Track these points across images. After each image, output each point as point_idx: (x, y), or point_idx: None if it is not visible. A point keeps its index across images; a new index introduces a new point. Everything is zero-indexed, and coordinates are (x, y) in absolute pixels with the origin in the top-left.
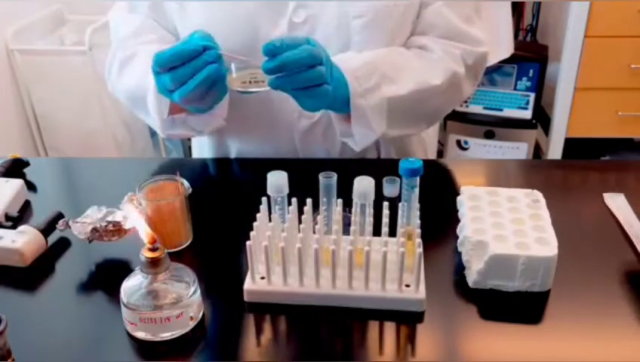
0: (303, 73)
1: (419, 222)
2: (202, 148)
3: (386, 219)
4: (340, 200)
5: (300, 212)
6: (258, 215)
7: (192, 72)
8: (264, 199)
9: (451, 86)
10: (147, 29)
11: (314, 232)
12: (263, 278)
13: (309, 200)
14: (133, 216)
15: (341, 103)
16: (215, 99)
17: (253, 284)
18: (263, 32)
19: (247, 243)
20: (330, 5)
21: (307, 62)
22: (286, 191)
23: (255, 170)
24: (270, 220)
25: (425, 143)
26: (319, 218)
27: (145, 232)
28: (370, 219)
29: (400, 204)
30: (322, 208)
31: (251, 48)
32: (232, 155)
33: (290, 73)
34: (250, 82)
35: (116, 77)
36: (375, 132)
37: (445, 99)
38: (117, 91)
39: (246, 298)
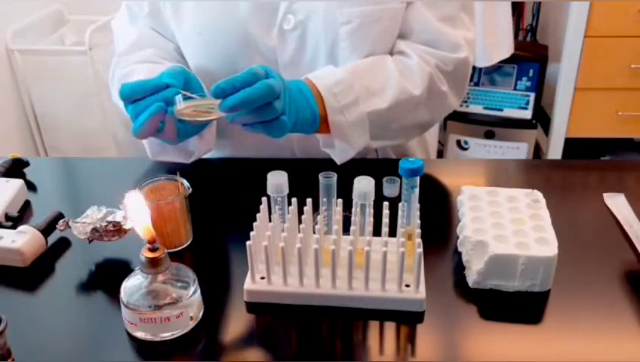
0: (259, 110)
1: (419, 222)
2: None
3: (386, 219)
4: (340, 201)
5: (300, 212)
6: (258, 215)
7: (147, 107)
8: (264, 199)
9: (432, 93)
10: (145, 42)
11: (314, 232)
12: (263, 278)
13: (309, 200)
14: (139, 209)
15: (307, 125)
16: (181, 134)
17: (254, 284)
18: (255, 38)
19: (248, 243)
20: (317, 12)
21: (264, 100)
22: (286, 191)
23: (255, 170)
24: (270, 220)
25: (426, 143)
26: (319, 218)
27: (145, 231)
28: (370, 219)
29: (400, 204)
30: (322, 208)
31: (245, 56)
32: (233, 156)
33: (247, 111)
34: (203, 112)
35: (116, 92)
36: (354, 147)
37: (430, 108)
38: (118, 105)
39: (246, 298)
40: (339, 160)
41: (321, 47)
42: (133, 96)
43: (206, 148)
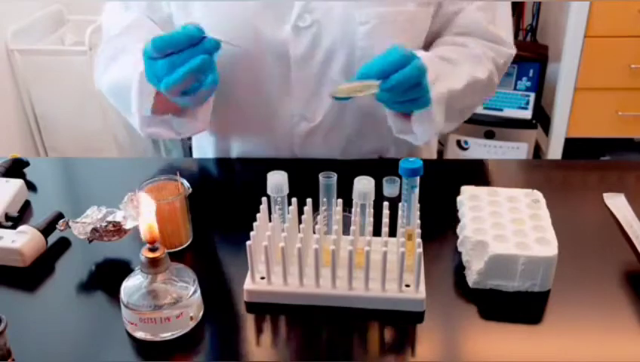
0: (410, 91)
1: (419, 222)
2: (203, 149)
3: (386, 219)
4: (340, 200)
5: (300, 212)
6: (258, 215)
7: (187, 60)
8: (264, 199)
9: (490, 81)
10: (140, 26)
11: (314, 232)
12: (263, 278)
13: (309, 200)
14: (145, 205)
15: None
16: (201, 95)
17: (253, 284)
18: (266, 36)
19: (248, 243)
20: (334, 12)
21: (416, 81)
22: (286, 191)
23: (255, 170)
24: (270, 220)
25: (430, 144)
26: (319, 218)
27: (147, 230)
28: (370, 219)
29: (400, 204)
30: (322, 208)
31: (253, 50)
32: (233, 156)
33: (400, 91)
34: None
35: (102, 70)
36: (434, 127)
37: (484, 94)
38: (101, 85)
39: (246, 298)
40: (420, 140)
41: (337, 46)
42: (169, 49)
43: (200, 127)
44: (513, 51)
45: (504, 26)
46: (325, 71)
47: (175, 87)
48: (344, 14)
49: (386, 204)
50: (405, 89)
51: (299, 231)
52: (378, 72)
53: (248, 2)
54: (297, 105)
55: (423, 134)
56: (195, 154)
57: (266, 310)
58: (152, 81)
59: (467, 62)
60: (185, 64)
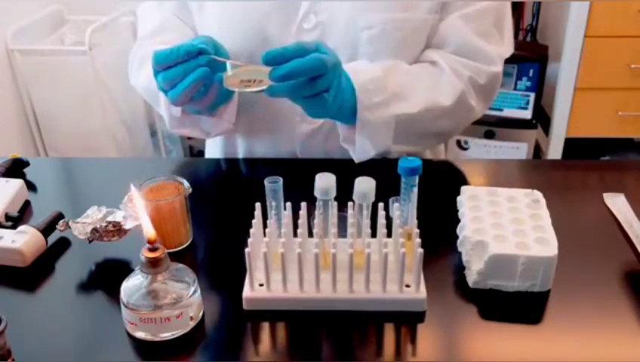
0: (305, 83)
1: (416, 221)
2: (213, 147)
3: (383, 220)
4: (335, 203)
5: (296, 216)
6: (254, 221)
7: (183, 74)
8: (258, 205)
9: (460, 106)
10: (169, 28)
11: (310, 235)
12: (261, 285)
13: (303, 205)
14: (140, 208)
15: (348, 114)
16: (213, 103)
17: (252, 292)
18: (272, 37)
19: (246, 250)
20: (340, 15)
21: (313, 73)
22: (281, 197)
23: (255, 170)
24: (266, 225)
25: (437, 149)
26: (315, 221)
27: (147, 229)
28: (367, 221)
29: (399, 204)
30: (318, 211)
31: (260, 52)
32: (240, 155)
33: (294, 82)
34: (250, 81)
35: (136, 72)
36: (375, 147)
37: (455, 120)
38: (137, 86)
39: (245, 306)
40: (357, 158)
41: (340, 51)
42: (166, 63)
43: (226, 126)
44: (496, 69)
45: (508, 40)
46: None
47: (179, 100)
48: (349, 18)
49: (383, 205)
50: (297, 82)
51: (295, 236)
52: (275, 57)
53: (259, 3)
54: (299, 107)
55: (362, 150)
56: (208, 153)
57: (265, 316)
58: (162, 91)
59: (429, 87)
60: (185, 79)
